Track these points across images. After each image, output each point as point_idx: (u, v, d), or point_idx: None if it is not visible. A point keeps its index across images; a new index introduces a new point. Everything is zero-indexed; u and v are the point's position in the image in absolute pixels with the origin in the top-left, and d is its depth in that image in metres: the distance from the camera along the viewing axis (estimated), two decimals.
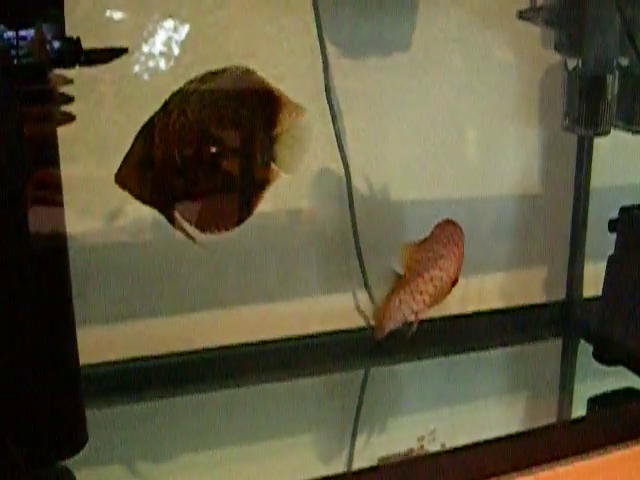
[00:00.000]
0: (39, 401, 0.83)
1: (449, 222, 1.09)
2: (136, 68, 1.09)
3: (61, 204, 0.83)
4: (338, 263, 1.27)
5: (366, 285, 1.27)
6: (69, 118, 0.78)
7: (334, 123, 1.20)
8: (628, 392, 1.12)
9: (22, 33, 0.74)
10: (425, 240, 1.07)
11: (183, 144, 0.84)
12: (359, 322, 1.29)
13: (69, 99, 0.78)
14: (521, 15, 1.20)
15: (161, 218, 1.14)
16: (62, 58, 0.75)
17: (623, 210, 1.11)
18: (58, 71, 0.76)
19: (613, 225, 1.11)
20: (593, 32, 1.16)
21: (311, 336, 1.24)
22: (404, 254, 1.07)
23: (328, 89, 1.19)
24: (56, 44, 0.75)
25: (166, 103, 0.84)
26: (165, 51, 1.10)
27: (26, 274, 0.80)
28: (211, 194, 0.88)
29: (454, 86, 1.28)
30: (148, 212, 1.14)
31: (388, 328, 1.07)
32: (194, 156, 0.85)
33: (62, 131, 0.83)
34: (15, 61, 0.74)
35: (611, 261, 1.13)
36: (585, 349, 1.27)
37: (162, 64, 1.10)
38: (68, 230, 0.87)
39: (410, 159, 1.28)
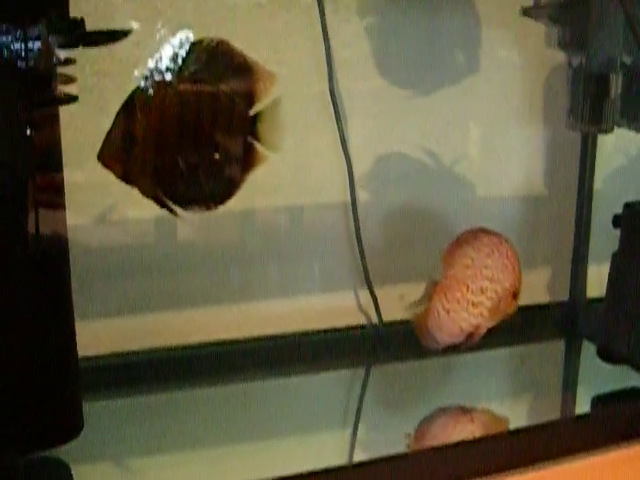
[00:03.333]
0: (35, 387, 0.82)
1: (486, 232, 1.11)
2: (136, 73, 1.09)
3: (63, 206, 0.84)
4: (340, 261, 1.27)
5: (368, 283, 1.26)
6: (71, 98, 0.78)
7: (338, 123, 1.20)
8: (633, 392, 1.12)
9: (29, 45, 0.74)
10: (456, 246, 1.10)
11: (164, 120, 0.84)
12: (360, 320, 1.29)
13: (71, 79, 0.77)
14: (525, 12, 1.20)
15: (161, 218, 1.15)
16: (66, 39, 0.75)
17: (627, 206, 1.10)
18: (61, 52, 0.76)
19: (617, 221, 1.11)
20: (597, 29, 1.16)
21: (311, 332, 1.24)
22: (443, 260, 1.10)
23: (332, 92, 1.19)
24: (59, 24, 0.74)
25: (145, 78, 0.84)
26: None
27: (27, 270, 0.80)
28: (193, 172, 0.88)
29: (457, 86, 1.29)
30: (149, 214, 1.16)
31: (444, 341, 1.10)
32: (175, 132, 0.85)
33: (66, 138, 0.83)
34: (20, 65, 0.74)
35: (615, 257, 1.13)
36: (589, 350, 1.26)
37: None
38: (70, 231, 0.87)
39: (413, 159, 1.28)
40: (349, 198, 1.24)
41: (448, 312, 1.08)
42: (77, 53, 0.78)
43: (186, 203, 0.89)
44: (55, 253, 0.84)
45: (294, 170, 1.21)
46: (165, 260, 1.17)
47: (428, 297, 1.09)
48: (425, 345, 1.12)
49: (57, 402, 0.85)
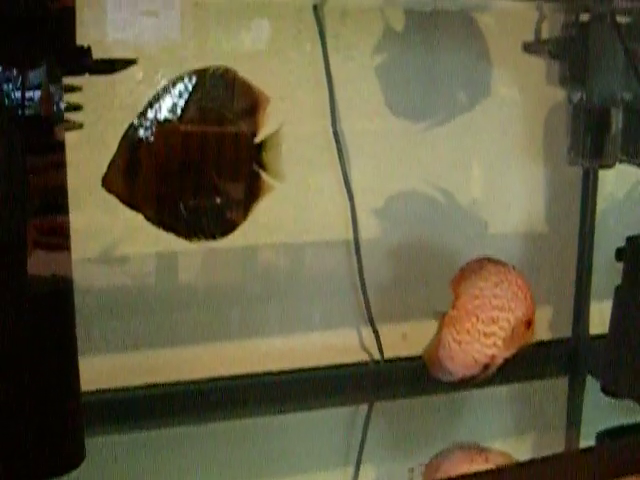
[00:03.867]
0: (38, 417, 0.82)
1: (493, 261, 1.11)
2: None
3: (68, 247, 0.84)
4: (342, 298, 1.27)
5: (371, 321, 1.26)
6: (76, 125, 0.78)
7: (341, 161, 1.21)
8: (637, 426, 1.11)
9: (29, 93, 0.75)
10: (463, 276, 1.10)
11: (168, 145, 0.84)
12: (363, 358, 1.28)
13: (77, 107, 0.78)
14: (526, 48, 1.21)
15: (163, 255, 1.15)
16: (72, 66, 0.76)
17: (630, 239, 1.10)
18: (67, 79, 0.76)
19: (620, 254, 1.11)
20: (597, 65, 1.17)
21: (313, 369, 1.23)
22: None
23: (335, 130, 1.20)
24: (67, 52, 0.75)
25: (150, 103, 0.84)
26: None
27: (32, 309, 0.80)
28: (198, 201, 0.88)
29: (459, 123, 1.29)
30: (152, 257, 1.16)
31: (458, 373, 1.09)
32: (179, 158, 0.85)
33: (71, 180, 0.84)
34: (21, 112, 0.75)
35: (618, 291, 1.13)
36: (593, 387, 1.26)
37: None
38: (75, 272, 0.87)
39: (414, 197, 1.28)
40: (352, 236, 1.24)
41: (459, 343, 1.07)
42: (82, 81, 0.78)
43: (190, 234, 0.89)
44: (60, 293, 0.84)
45: (297, 207, 1.21)
46: (167, 297, 1.17)
47: (437, 329, 1.08)
48: (437, 377, 1.11)
49: (59, 433, 0.84)
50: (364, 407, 1.25)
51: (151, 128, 0.83)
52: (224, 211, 0.90)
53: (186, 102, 0.84)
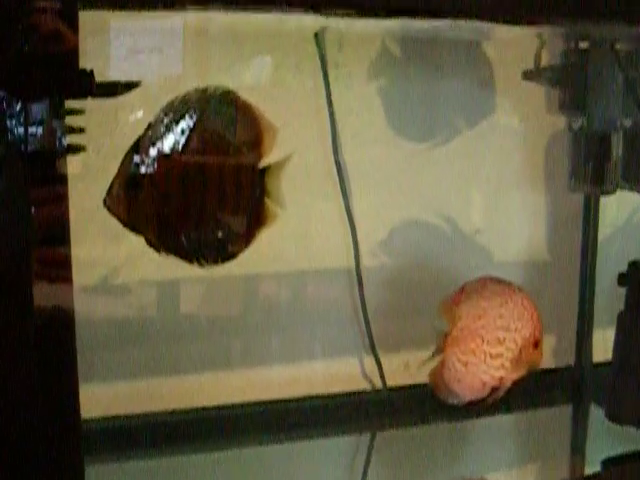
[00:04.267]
0: (37, 448, 0.81)
1: (496, 280, 1.11)
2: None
3: (70, 279, 0.83)
4: (344, 327, 1.26)
5: (373, 349, 1.26)
6: (79, 148, 0.78)
7: (342, 190, 1.21)
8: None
9: (31, 129, 0.75)
10: (463, 296, 1.09)
11: (168, 171, 0.84)
12: (365, 387, 1.28)
13: (80, 130, 0.78)
14: (526, 75, 1.22)
15: (164, 284, 1.15)
16: (75, 90, 0.76)
17: (632, 264, 1.10)
18: (70, 102, 0.77)
19: (623, 279, 1.11)
20: (596, 92, 1.17)
21: (316, 397, 1.23)
22: (444, 310, 1.08)
23: (337, 159, 1.20)
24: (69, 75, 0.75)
25: (150, 125, 0.85)
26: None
27: (33, 341, 0.80)
28: (199, 229, 0.88)
29: (460, 151, 1.30)
30: (153, 286, 1.16)
31: (465, 396, 1.09)
32: (180, 185, 0.85)
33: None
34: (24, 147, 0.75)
35: (621, 317, 1.12)
36: (597, 414, 1.25)
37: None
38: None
39: (416, 225, 1.28)
40: (354, 264, 1.24)
41: (465, 364, 1.07)
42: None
43: (191, 258, 0.89)
44: (61, 324, 0.84)
45: (298, 236, 1.21)
46: (168, 326, 1.17)
47: (439, 350, 1.08)
48: (445, 400, 1.10)
49: (59, 464, 0.83)
50: (367, 436, 1.24)
51: (151, 151, 0.83)
52: (226, 239, 0.90)
53: (188, 127, 0.85)
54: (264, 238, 1.17)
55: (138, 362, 1.15)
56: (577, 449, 1.22)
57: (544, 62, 1.24)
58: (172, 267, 0.95)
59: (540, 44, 1.22)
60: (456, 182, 1.30)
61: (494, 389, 1.08)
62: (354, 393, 1.25)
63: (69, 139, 0.77)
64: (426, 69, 1.25)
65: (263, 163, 0.91)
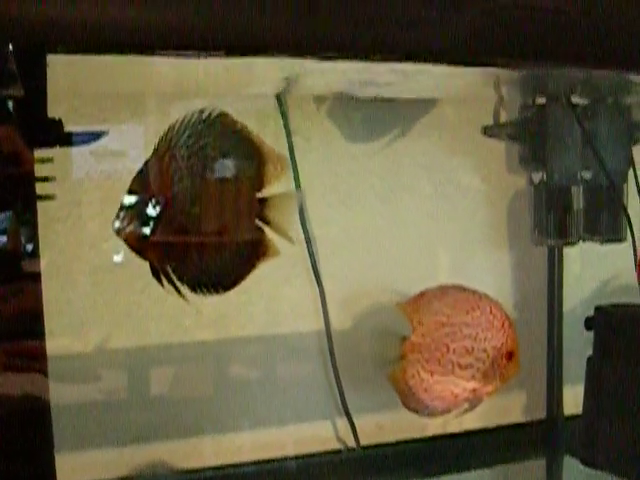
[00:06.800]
0: None
1: (460, 288, 1.09)
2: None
3: (45, 372, 0.83)
4: (317, 389, 1.26)
5: (345, 410, 1.25)
6: (49, 197, 0.79)
7: (310, 252, 1.22)
8: None
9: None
10: (422, 302, 1.08)
11: (172, 194, 0.86)
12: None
13: (49, 178, 0.79)
14: (485, 131, 1.24)
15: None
16: (43, 139, 0.77)
17: (598, 309, 1.11)
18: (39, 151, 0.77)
19: (589, 323, 1.11)
20: (556, 145, 1.19)
21: (290, 458, 1.22)
22: (403, 313, 1.06)
23: (303, 221, 1.22)
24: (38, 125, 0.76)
25: (155, 150, 0.86)
26: None
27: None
28: (202, 251, 0.89)
29: (423, 212, 1.31)
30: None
31: (435, 407, 1.06)
32: (183, 206, 0.87)
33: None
34: None
35: (590, 361, 1.13)
36: (571, 466, 1.25)
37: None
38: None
39: (382, 285, 1.29)
40: (323, 326, 1.24)
41: (431, 374, 1.04)
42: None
43: (196, 286, 0.89)
44: (34, 413, 0.83)
45: (267, 299, 1.22)
46: (139, 395, 1.17)
47: (400, 355, 1.05)
48: (415, 412, 1.07)
49: None
50: None
51: (156, 176, 0.86)
52: (226, 268, 0.91)
53: (189, 153, 0.86)
54: (233, 303, 1.18)
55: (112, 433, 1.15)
56: None
57: (503, 118, 1.27)
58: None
59: (498, 99, 1.25)
60: (420, 242, 1.31)
61: (467, 401, 1.06)
62: (328, 452, 1.24)
63: (39, 188, 0.78)
64: (386, 131, 1.28)
65: (266, 193, 0.93)
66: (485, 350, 1.05)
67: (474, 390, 1.05)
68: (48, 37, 0.68)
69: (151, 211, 0.85)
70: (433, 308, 1.06)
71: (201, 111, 0.87)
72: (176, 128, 0.87)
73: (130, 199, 0.86)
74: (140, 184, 0.86)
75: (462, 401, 1.06)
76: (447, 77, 0.98)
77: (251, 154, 0.91)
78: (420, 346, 1.05)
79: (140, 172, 0.86)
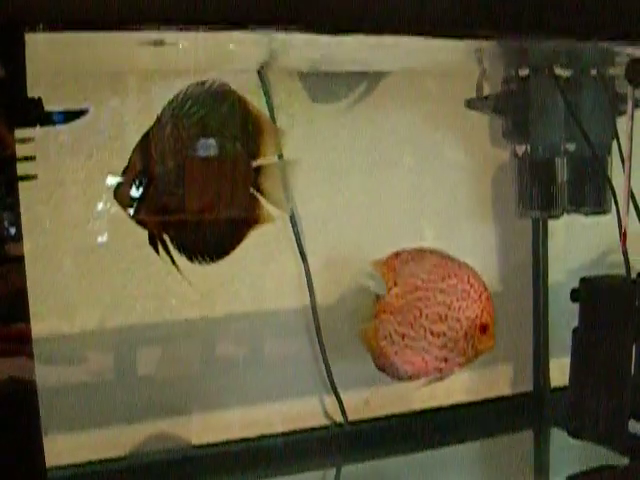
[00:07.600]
0: None
1: (439, 253, 1.06)
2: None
3: (30, 354, 0.83)
4: (303, 365, 1.26)
5: (332, 385, 1.25)
6: (30, 177, 0.78)
7: (294, 229, 1.22)
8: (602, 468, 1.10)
9: None
10: (398, 261, 1.05)
11: (173, 162, 0.86)
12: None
13: (30, 157, 0.78)
14: (469, 104, 1.23)
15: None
16: (24, 118, 0.76)
17: (583, 280, 1.12)
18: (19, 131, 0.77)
19: (575, 295, 1.12)
20: (539, 118, 1.19)
21: (278, 435, 1.22)
22: (380, 272, 1.04)
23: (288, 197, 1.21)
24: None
25: (158, 119, 0.87)
26: None
27: None
28: (199, 219, 0.89)
29: (407, 187, 1.31)
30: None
31: (405, 371, 1.04)
32: (183, 174, 0.87)
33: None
34: None
35: (576, 332, 1.13)
36: (558, 437, 1.26)
37: None
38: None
39: (366, 259, 1.29)
40: (309, 302, 1.24)
41: (402, 336, 1.02)
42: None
43: (192, 253, 0.90)
44: (19, 396, 0.83)
45: (253, 275, 1.22)
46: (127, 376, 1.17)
47: (373, 313, 1.04)
48: (386, 373, 1.05)
49: None
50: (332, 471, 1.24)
51: (158, 145, 0.86)
52: (221, 235, 0.91)
53: (191, 122, 0.87)
54: (218, 279, 1.18)
55: (100, 412, 1.15)
56: (541, 472, 1.22)
57: (486, 91, 1.26)
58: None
59: (481, 72, 1.24)
60: (404, 217, 1.31)
61: (438, 370, 1.03)
62: (316, 429, 1.25)
63: (20, 168, 0.77)
64: (369, 107, 1.27)
65: (262, 162, 0.93)
66: (459, 320, 1.01)
67: (445, 359, 1.02)
68: (26, 15, 0.67)
69: (151, 179, 0.86)
70: (409, 269, 1.03)
71: (203, 82, 0.88)
72: (180, 98, 0.87)
73: (132, 169, 0.86)
74: (142, 152, 0.86)
75: (433, 370, 1.03)
76: (428, 51, 0.98)
77: (249, 123, 0.91)
78: (393, 307, 1.02)
79: (142, 140, 0.87)
